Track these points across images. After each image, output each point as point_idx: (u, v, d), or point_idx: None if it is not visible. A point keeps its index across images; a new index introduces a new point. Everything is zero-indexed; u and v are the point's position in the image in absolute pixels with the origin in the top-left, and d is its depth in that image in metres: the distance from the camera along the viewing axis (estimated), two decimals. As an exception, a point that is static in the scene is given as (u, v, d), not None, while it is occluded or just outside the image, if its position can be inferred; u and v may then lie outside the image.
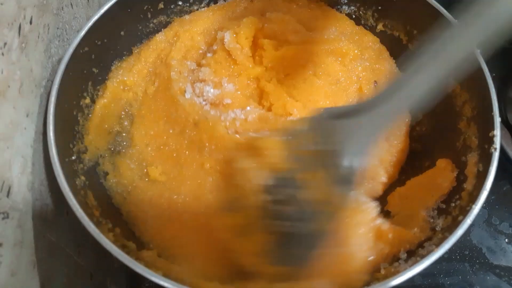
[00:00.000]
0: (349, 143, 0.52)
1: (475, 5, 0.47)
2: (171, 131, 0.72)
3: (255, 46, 0.77)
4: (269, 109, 0.72)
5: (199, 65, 0.77)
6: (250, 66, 0.76)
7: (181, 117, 0.71)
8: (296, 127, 0.57)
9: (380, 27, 0.84)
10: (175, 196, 0.68)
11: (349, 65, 0.77)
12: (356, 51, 0.77)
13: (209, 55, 0.77)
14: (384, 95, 0.52)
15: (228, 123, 0.68)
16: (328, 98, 0.74)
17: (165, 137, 0.72)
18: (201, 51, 0.80)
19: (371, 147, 0.53)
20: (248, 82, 0.76)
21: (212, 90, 0.72)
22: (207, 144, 0.68)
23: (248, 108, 0.70)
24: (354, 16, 0.86)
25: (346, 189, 0.52)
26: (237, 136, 0.67)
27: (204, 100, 0.73)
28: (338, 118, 0.53)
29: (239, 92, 0.74)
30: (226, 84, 0.73)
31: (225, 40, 0.74)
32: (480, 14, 0.46)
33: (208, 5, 0.87)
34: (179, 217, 0.66)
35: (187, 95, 0.73)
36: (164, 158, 0.71)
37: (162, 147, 0.72)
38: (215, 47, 0.77)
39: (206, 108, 0.71)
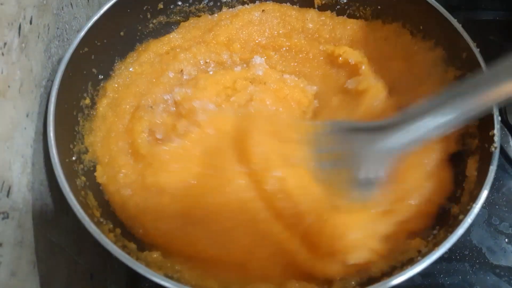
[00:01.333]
0: (366, 158, 0.56)
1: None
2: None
3: None
4: None
5: None
6: None
7: None
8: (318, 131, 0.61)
9: (379, 26, 0.84)
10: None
11: None
12: None
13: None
14: (406, 119, 0.55)
15: None
16: None
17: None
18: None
19: (387, 165, 0.57)
20: None
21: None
22: None
23: None
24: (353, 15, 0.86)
25: (361, 194, 0.58)
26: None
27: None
28: (357, 132, 0.58)
29: None
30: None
31: None
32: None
33: (207, 5, 0.87)
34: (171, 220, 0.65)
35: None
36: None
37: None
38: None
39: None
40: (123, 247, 0.57)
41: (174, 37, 0.83)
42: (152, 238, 0.64)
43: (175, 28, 0.85)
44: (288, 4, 0.87)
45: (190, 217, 0.64)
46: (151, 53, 0.81)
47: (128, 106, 0.74)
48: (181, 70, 0.79)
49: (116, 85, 0.76)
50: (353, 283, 0.59)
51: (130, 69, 0.78)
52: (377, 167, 0.57)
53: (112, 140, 0.71)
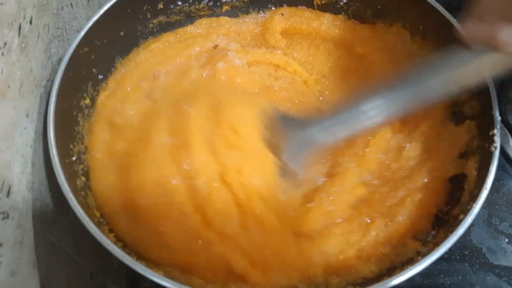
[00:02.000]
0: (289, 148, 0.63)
1: None
2: None
3: None
4: None
5: None
6: None
7: None
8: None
9: (379, 26, 0.84)
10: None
11: None
12: None
13: None
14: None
15: None
16: None
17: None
18: None
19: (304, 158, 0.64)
20: None
21: None
22: None
23: None
24: (352, 15, 0.86)
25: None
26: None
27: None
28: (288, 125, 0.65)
29: None
30: None
31: None
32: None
33: (207, 5, 0.87)
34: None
35: None
36: None
37: None
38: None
39: None
40: (123, 247, 0.57)
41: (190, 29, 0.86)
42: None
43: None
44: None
45: (129, 204, 0.61)
46: (164, 42, 0.83)
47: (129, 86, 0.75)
48: (216, 46, 0.83)
49: (117, 77, 0.77)
50: (350, 283, 0.59)
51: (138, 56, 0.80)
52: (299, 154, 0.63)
53: (99, 124, 0.71)
